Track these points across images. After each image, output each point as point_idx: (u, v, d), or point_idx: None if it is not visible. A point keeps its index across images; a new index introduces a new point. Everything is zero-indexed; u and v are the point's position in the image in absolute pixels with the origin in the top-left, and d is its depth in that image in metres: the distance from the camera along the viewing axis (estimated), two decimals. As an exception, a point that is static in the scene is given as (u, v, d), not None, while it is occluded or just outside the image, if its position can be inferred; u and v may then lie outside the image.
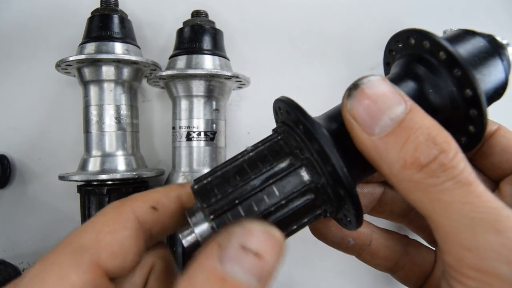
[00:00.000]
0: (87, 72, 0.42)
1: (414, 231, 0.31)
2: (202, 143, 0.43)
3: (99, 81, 0.42)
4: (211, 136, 0.43)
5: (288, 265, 0.51)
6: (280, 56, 0.51)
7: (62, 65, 0.42)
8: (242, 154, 0.23)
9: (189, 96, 0.43)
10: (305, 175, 0.22)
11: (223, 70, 0.43)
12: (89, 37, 0.43)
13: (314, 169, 0.21)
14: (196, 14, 0.45)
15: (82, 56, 0.40)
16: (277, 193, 0.21)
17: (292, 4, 0.51)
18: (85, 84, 0.43)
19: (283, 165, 0.22)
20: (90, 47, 0.42)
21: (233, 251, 0.18)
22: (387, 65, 0.28)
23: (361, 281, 0.52)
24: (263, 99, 0.50)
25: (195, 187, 0.22)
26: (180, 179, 0.43)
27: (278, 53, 0.51)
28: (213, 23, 0.45)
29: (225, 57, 0.45)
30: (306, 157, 0.22)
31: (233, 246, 0.18)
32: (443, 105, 0.23)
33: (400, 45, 0.26)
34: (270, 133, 0.25)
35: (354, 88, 0.21)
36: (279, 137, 0.23)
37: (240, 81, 0.45)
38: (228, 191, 0.21)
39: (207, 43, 0.43)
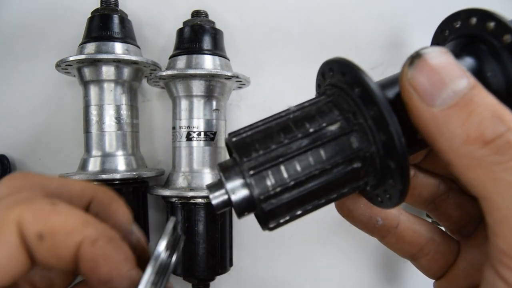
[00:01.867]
0: (87, 72, 0.42)
1: (438, 218, 0.30)
2: (202, 143, 0.43)
3: (99, 81, 0.42)
4: (211, 136, 0.43)
5: (288, 266, 0.51)
6: (280, 56, 0.51)
7: (62, 65, 0.42)
8: (286, 112, 0.22)
9: (189, 96, 0.43)
10: (354, 142, 0.20)
11: (223, 70, 0.43)
12: (89, 37, 0.43)
13: (365, 136, 0.20)
14: (196, 14, 0.45)
15: (82, 56, 0.40)
16: (324, 156, 0.20)
17: (292, 4, 0.51)
18: (85, 84, 0.43)
19: (332, 128, 0.20)
20: (90, 47, 0.42)
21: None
22: (436, 45, 0.28)
23: (361, 282, 0.52)
24: (263, 99, 0.50)
25: (233, 139, 0.21)
26: (180, 179, 0.43)
27: (278, 53, 0.51)
28: (213, 23, 0.45)
29: (225, 57, 0.45)
30: (358, 122, 0.20)
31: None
32: (499, 90, 0.22)
33: (457, 25, 0.25)
34: None
35: (416, 57, 0.20)
36: (328, 99, 0.22)
37: (240, 81, 0.45)
38: (271, 148, 0.20)
39: (207, 43, 0.43)
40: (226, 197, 0.20)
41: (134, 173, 0.41)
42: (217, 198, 0.21)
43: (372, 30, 0.51)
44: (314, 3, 0.51)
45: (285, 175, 0.20)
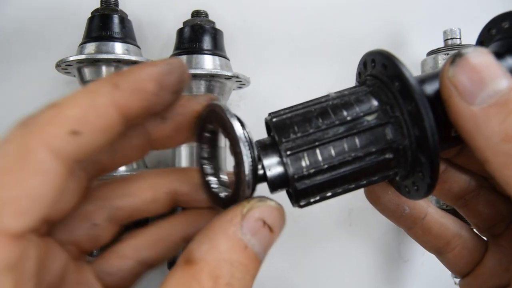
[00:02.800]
0: (87, 72, 0.42)
1: (466, 215, 0.30)
2: (202, 143, 0.43)
3: (99, 81, 0.42)
4: (211, 136, 0.43)
5: (288, 266, 0.51)
6: (280, 56, 0.51)
7: (62, 65, 0.42)
8: (326, 97, 0.23)
9: (189, 96, 0.43)
10: (389, 133, 0.21)
11: (223, 70, 0.43)
12: (89, 37, 0.43)
13: (400, 129, 0.21)
14: (196, 14, 0.45)
15: (82, 56, 0.40)
16: (358, 144, 0.21)
17: (292, 4, 0.51)
18: (85, 84, 0.43)
19: (369, 118, 0.21)
20: (90, 47, 0.42)
21: (254, 223, 0.19)
22: (480, 43, 0.28)
23: (362, 282, 0.52)
24: (263, 99, 0.50)
25: (274, 120, 0.22)
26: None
27: (278, 53, 0.51)
28: (213, 23, 0.45)
29: (225, 57, 0.45)
30: (395, 115, 0.21)
31: (255, 218, 0.19)
32: None
33: (505, 25, 0.25)
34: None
35: (458, 56, 0.20)
36: (368, 89, 0.23)
37: (240, 81, 0.45)
38: (309, 131, 0.21)
39: (207, 43, 0.43)
40: (262, 172, 0.21)
41: (134, 173, 0.41)
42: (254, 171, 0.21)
43: (372, 30, 0.51)
44: (314, 4, 0.51)
45: (320, 158, 0.21)
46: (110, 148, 0.23)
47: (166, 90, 0.20)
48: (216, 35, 0.44)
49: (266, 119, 0.22)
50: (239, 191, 0.20)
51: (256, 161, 0.20)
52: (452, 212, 0.31)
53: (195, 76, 0.42)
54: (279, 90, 0.51)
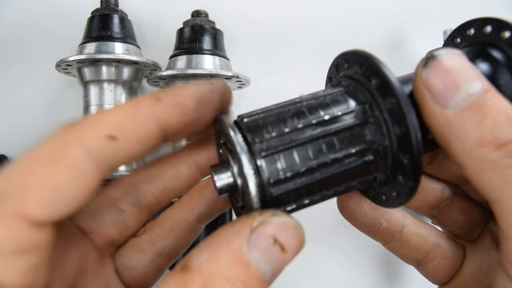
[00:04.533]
0: (87, 72, 0.42)
1: (441, 224, 0.30)
2: (202, 143, 0.43)
3: (99, 81, 0.42)
4: (211, 136, 0.43)
5: (288, 266, 0.51)
6: (280, 56, 0.51)
7: (62, 65, 0.43)
8: (300, 98, 0.21)
9: (189, 96, 0.43)
10: (368, 134, 0.20)
11: (223, 70, 0.43)
12: (89, 37, 0.43)
13: (379, 129, 0.20)
14: (196, 14, 0.45)
15: (82, 56, 0.40)
16: (337, 146, 0.20)
17: (292, 4, 0.51)
18: (85, 84, 0.43)
19: (347, 117, 0.20)
20: (90, 47, 0.42)
21: (264, 239, 0.17)
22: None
23: (361, 282, 0.52)
24: (263, 99, 0.50)
25: (245, 120, 0.20)
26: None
27: (278, 53, 0.51)
28: (213, 23, 0.45)
29: (225, 57, 0.45)
30: (374, 114, 0.20)
31: (265, 235, 0.17)
32: (510, 98, 0.22)
33: (470, 33, 0.25)
34: None
35: (431, 58, 0.20)
36: (344, 89, 0.21)
37: (240, 81, 0.45)
38: (284, 131, 0.19)
39: (207, 43, 0.43)
40: (231, 180, 0.19)
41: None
42: (221, 180, 0.20)
43: (372, 30, 0.51)
44: (314, 4, 0.51)
45: (297, 160, 0.19)
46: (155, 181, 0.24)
47: (206, 108, 0.20)
48: (216, 35, 0.44)
49: (235, 120, 0.21)
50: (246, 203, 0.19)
51: (258, 174, 0.18)
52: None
53: (195, 76, 0.42)
54: (279, 90, 0.51)
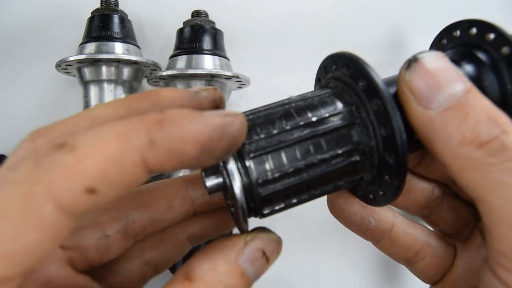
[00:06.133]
0: (87, 72, 0.42)
1: (432, 224, 0.30)
2: (202, 143, 0.43)
3: (99, 81, 0.42)
4: (211, 136, 0.43)
5: (288, 266, 0.51)
6: (280, 56, 0.51)
7: (62, 65, 0.42)
8: (288, 100, 0.22)
9: (189, 96, 0.43)
10: (355, 135, 0.21)
11: (223, 70, 0.43)
12: (89, 37, 0.43)
13: (366, 130, 0.21)
14: (196, 14, 0.45)
15: (82, 56, 0.40)
16: (324, 146, 0.20)
17: (292, 4, 0.51)
18: (85, 84, 0.43)
19: (334, 119, 0.21)
20: (90, 47, 0.42)
21: (255, 252, 0.20)
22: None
23: (361, 282, 0.52)
24: (263, 99, 0.49)
25: None
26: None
27: (278, 53, 0.51)
28: (213, 23, 0.45)
29: (225, 57, 0.45)
30: (360, 116, 0.21)
31: (257, 249, 0.20)
32: (494, 99, 0.22)
33: (456, 35, 0.25)
34: None
35: (414, 60, 0.20)
36: (331, 91, 0.22)
37: (240, 81, 0.45)
38: (273, 133, 0.20)
39: (207, 43, 0.43)
40: (220, 180, 0.20)
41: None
42: (211, 180, 0.20)
43: (372, 30, 0.51)
44: (314, 4, 0.51)
45: (285, 160, 0.20)
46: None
47: (210, 156, 0.17)
48: (216, 35, 0.44)
49: None
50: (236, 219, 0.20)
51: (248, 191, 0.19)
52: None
53: (195, 76, 0.42)
54: (279, 90, 0.51)
